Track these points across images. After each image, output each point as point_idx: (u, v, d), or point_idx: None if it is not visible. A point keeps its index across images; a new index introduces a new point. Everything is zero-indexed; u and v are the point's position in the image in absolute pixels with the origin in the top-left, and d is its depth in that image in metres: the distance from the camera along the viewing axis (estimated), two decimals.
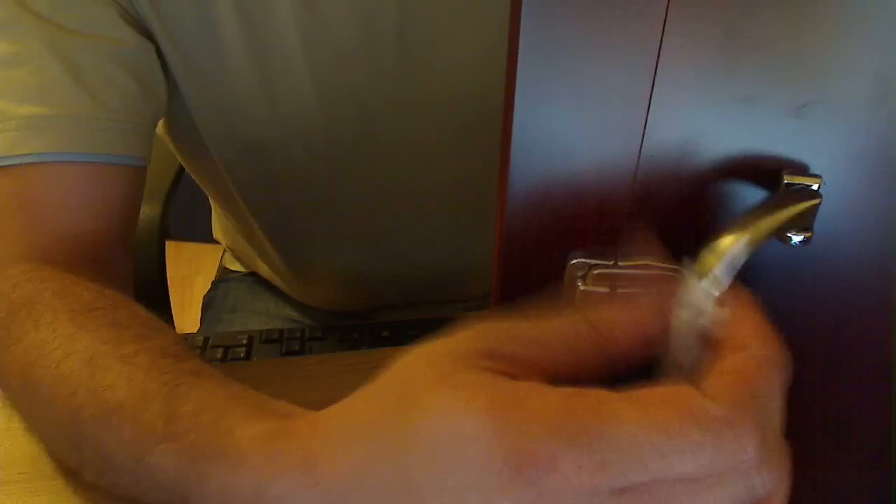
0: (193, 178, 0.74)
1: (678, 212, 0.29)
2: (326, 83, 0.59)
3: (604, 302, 0.29)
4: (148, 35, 0.55)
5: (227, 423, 0.34)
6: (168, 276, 0.82)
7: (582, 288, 0.31)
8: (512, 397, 0.26)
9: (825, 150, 0.28)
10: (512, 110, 0.28)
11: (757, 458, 0.24)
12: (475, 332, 0.29)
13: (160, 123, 0.67)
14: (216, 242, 0.91)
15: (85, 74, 0.51)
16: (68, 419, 0.38)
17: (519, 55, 0.27)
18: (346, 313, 0.84)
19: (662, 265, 0.30)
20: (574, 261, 0.31)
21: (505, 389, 0.26)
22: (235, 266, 0.90)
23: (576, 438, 0.24)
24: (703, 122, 0.27)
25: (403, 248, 0.74)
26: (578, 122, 0.28)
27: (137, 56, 0.54)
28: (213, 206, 0.84)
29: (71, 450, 0.40)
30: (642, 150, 0.28)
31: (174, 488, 0.34)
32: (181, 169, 0.86)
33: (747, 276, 0.31)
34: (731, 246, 0.26)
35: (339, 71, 0.58)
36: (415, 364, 0.29)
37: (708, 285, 0.26)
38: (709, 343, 0.28)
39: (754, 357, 0.26)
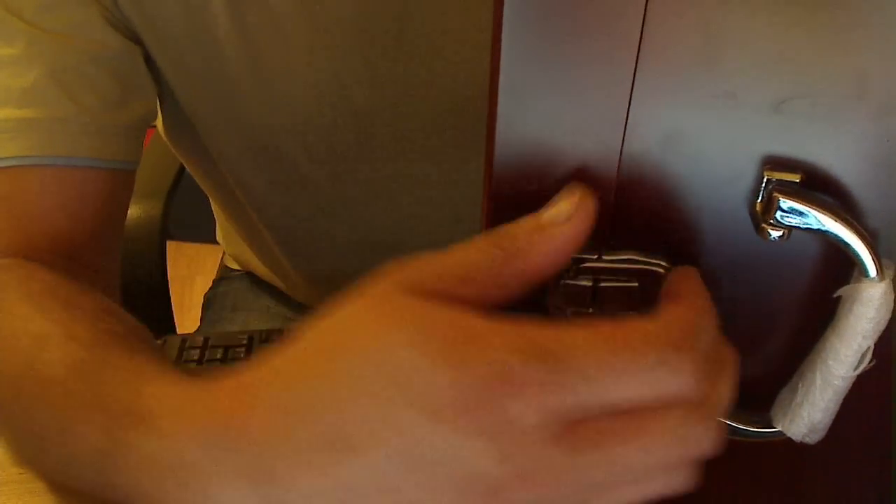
0: (199, 183, 0.74)
1: (660, 207, 0.29)
2: (324, 85, 0.59)
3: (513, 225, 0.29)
4: (135, 39, 0.55)
5: (149, 388, 0.33)
6: (168, 276, 0.82)
7: (566, 281, 0.31)
8: (450, 321, 0.26)
9: (806, 145, 0.28)
10: (496, 107, 0.28)
11: (694, 386, 0.26)
12: (399, 273, 0.28)
13: (161, 129, 0.67)
14: (216, 242, 0.91)
15: (66, 78, 0.52)
16: (10, 396, 0.38)
17: (501, 53, 0.27)
18: None
19: (646, 259, 0.30)
20: None
21: (442, 314, 0.26)
22: (236, 265, 0.90)
23: (535, 360, 0.25)
24: (683, 117, 0.27)
25: (409, 249, 0.74)
26: (561, 119, 0.28)
27: (121, 59, 0.54)
28: (215, 211, 0.84)
29: (6, 429, 0.40)
30: (624, 146, 0.28)
31: (96, 461, 0.33)
32: (182, 169, 0.87)
33: (730, 272, 0.31)
34: None
35: (337, 72, 0.58)
36: (339, 313, 0.28)
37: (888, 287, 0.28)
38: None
39: (693, 304, 0.28)
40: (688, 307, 0.27)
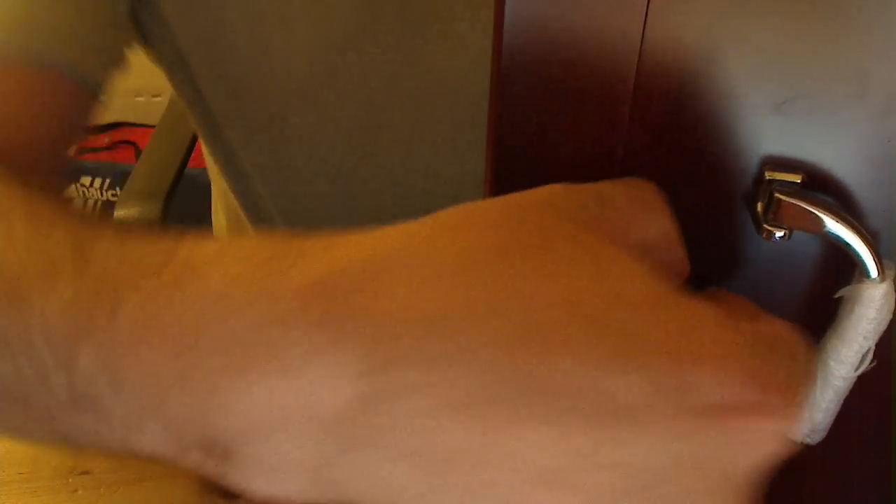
0: (217, 170, 0.74)
1: None
2: (326, 69, 0.58)
3: None
4: None
5: (165, 242, 0.22)
6: None
7: None
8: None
9: (806, 146, 0.28)
10: (496, 106, 0.28)
11: None
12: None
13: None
14: None
15: None
16: None
17: (502, 46, 0.27)
18: None
19: None
20: None
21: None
22: None
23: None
24: (683, 117, 0.27)
25: None
26: (562, 117, 0.28)
27: None
28: (214, 208, 0.84)
29: None
30: (624, 146, 0.28)
31: (56, 345, 0.22)
32: (181, 169, 0.87)
33: (731, 272, 0.31)
34: None
35: (339, 54, 0.58)
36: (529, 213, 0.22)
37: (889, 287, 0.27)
38: None
39: None
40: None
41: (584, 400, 0.18)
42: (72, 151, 0.53)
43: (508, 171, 0.30)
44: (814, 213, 0.27)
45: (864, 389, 0.30)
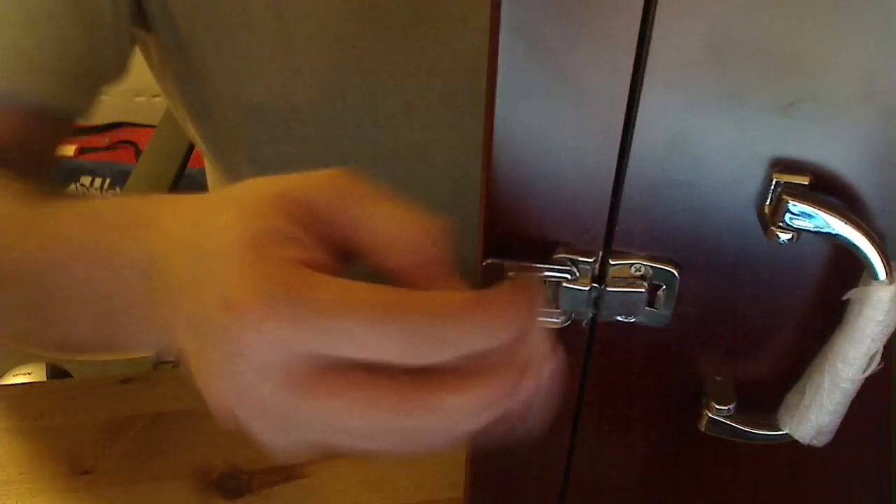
0: (206, 160, 0.73)
1: (667, 210, 0.29)
2: (328, 48, 0.58)
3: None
4: None
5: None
6: None
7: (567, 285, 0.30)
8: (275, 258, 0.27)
9: (813, 147, 0.27)
10: (493, 109, 0.28)
11: (397, 354, 0.26)
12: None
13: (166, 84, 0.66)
14: None
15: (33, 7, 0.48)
16: None
17: (499, 49, 0.27)
18: None
19: (653, 263, 0.30)
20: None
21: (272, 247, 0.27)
22: None
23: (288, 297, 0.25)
24: (690, 120, 0.27)
25: None
26: (559, 120, 0.28)
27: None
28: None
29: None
30: (631, 148, 0.28)
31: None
32: (181, 169, 0.87)
33: (738, 275, 0.31)
34: None
35: (341, 34, 0.57)
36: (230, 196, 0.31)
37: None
38: None
39: (487, 300, 0.27)
40: (486, 297, 0.26)
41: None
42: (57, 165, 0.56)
43: (506, 171, 0.30)
44: (821, 215, 0.27)
45: (864, 390, 0.30)
